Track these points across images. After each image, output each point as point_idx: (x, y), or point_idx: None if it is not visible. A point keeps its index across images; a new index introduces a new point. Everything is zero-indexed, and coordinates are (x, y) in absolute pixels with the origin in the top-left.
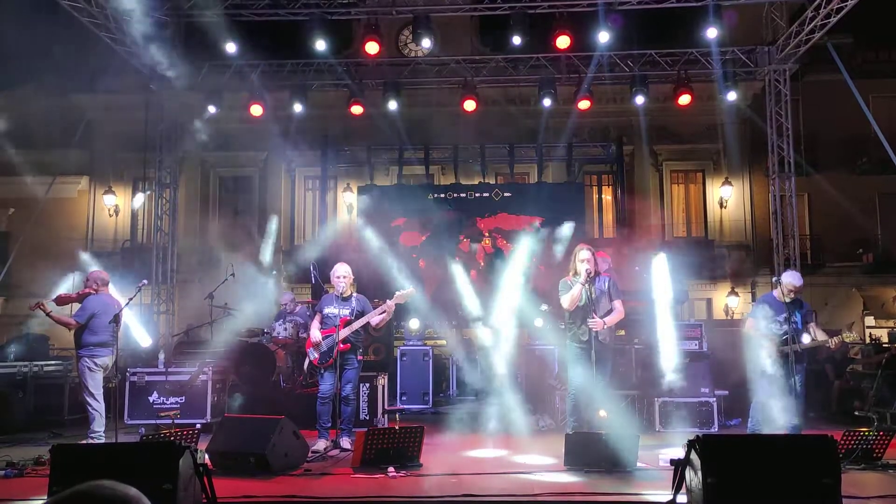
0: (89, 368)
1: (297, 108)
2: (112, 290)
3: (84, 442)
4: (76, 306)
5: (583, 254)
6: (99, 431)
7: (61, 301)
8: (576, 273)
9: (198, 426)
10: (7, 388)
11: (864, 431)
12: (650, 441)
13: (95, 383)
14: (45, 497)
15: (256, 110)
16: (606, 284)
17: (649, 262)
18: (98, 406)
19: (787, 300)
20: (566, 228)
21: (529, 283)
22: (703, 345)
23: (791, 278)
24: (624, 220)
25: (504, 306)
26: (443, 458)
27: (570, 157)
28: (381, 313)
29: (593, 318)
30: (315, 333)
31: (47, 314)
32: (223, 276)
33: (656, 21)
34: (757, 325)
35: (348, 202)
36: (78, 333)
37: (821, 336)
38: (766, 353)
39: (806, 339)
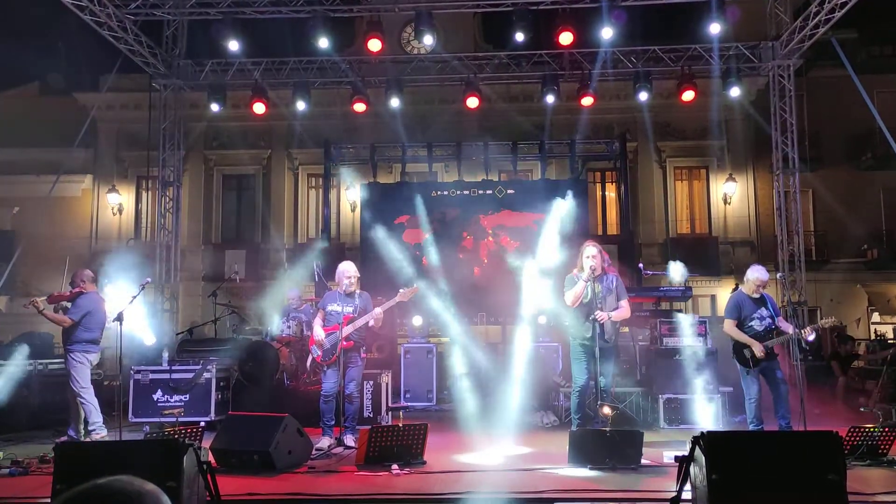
0: (81, 363)
1: (300, 105)
2: (111, 287)
3: (87, 439)
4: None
5: (589, 250)
6: (99, 422)
7: (53, 300)
8: (582, 269)
9: (202, 424)
10: (13, 387)
11: (869, 428)
12: (654, 438)
13: (86, 378)
14: (50, 495)
15: (259, 108)
16: (614, 283)
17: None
18: (92, 399)
19: (756, 296)
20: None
21: (533, 279)
22: (707, 341)
23: (758, 273)
24: (627, 217)
25: (508, 304)
26: (447, 456)
27: (573, 154)
28: (375, 317)
29: (599, 311)
30: (318, 331)
31: (40, 312)
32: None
33: (659, 17)
34: (736, 324)
35: (351, 200)
36: (71, 330)
37: (791, 328)
38: (748, 351)
39: (811, 335)
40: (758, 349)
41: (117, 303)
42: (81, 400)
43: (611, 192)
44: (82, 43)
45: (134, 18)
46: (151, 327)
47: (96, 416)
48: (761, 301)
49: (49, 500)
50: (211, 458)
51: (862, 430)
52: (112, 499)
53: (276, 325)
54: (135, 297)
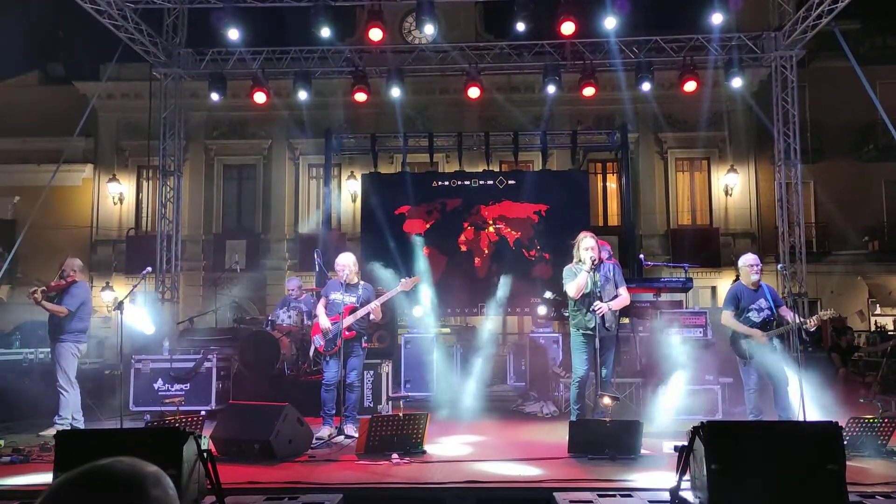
0: (74, 355)
1: (302, 95)
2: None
3: (44, 432)
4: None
5: (587, 241)
6: (68, 419)
7: (50, 290)
8: (580, 261)
9: (202, 413)
10: (13, 375)
11: (869, 418)
12: (654, 428)
13: (74, 371)
14: (51, 482)
15: (260, 98)
16: (612, 272)
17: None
18: (72, 393)
19: (754, 284)
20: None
21: (533, 270)
22: (707, 332)
23: (747, 258)
24: (628, 208)
25: (508, 294)
26: (447, 445)
27: (574, 145)
28: (372, 308)
29: (598, 303)
30: (324, 320)
31: (38, 303)
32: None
33: (662, 7)
34: (734, 315)
35: (352, 190)
36: (65, 320)
37: (791, 315)
38: (745, 342)
39: (812, 322)
40: (758, 334)
41: (119, 292)
42: (63, 393)
43: (612, 183)
44: (82, 31)
45: (134, 7)
46: (151, 317)
47: (68, 413)
48: (760, 292)
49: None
50: (211, 446)
51: (862, 420)
52: (113, 479)
53: (276, 314)
54: (135, 287)
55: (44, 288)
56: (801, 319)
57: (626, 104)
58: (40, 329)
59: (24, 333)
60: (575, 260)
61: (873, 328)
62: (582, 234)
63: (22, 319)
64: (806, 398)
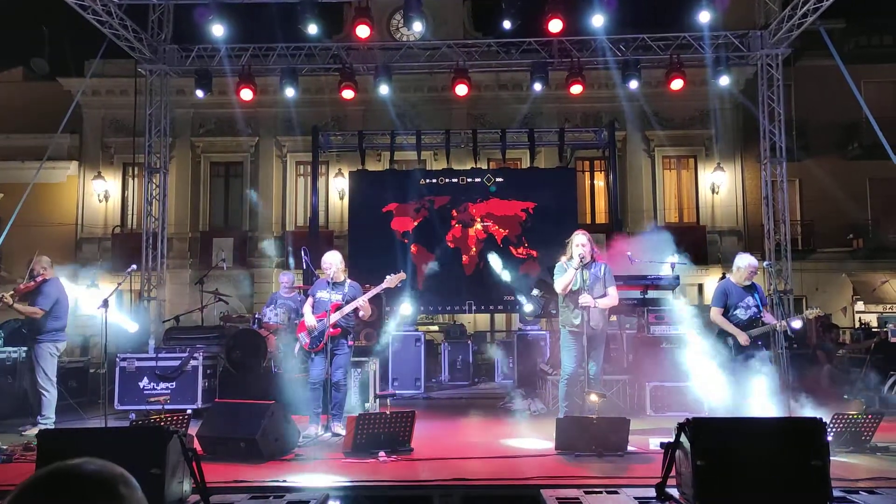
0: (51, 354)
1: (289, 92)
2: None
3: (34, 429)
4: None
5: (579, 238)
6: (52, 419)
7: (19, 292)
8: (571, 257)
9: (188, 411)
10: None
11: (853, 415)
12: (641, 425)
13: (54, 370)
14: None
15: (246, 95)
16: (602, 270)
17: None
18: (53, 392)
19: (747, 283)
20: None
21: (521, 268)
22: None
23: (750, 259)
24: (616, 206)
25: (496, 291)
26: (434, 443)
27: (562, 143)
28: (360, 304)
29: (584, 295)
30: (309, 318)
31: (11, 307)
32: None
33: (649, 5)
34: (722, 312)
35: (340, 187)
36: (40, 320)
37: (774, 321)
38: (731, 340)
39: (797, 323)
40: (742, 338)
41: (104, 290)
42: (44, 393)
43: (599, 181)
44: (66, 27)
45: (119, 2)
46: (134, 314)
47: (52, 413)
48: (750, 289)
49: None
50: (197, 445)
51: (846, 417)
52: (80, 481)
53: (263, 312)
54: (120, 285)
55: (12, 292)
56: (782, 322)
57: (613, 102)
58: (24, 327)
59: (7, 332)
60: (567, 256)
61: (857, 325)
62: (576, 231)
63: (5, 318)
64: (791, 395)
